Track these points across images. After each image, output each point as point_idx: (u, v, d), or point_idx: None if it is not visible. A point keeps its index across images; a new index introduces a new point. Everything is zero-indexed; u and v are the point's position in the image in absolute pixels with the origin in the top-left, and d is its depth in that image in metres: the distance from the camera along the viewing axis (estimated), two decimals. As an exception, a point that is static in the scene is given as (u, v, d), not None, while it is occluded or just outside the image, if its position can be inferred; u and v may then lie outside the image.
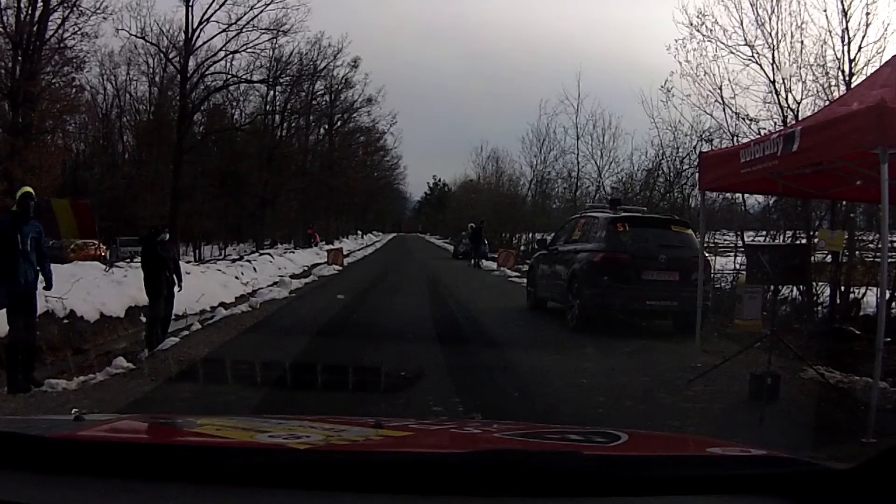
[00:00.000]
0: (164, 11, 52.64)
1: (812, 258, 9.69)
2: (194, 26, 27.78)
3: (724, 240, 16.20)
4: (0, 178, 17.24)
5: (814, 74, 12.10)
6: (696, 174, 9.83)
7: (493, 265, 26.31)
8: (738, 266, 12.70)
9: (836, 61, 11.62)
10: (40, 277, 6.96)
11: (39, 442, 1.32)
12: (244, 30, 28.59)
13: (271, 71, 33.09)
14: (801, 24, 12.23)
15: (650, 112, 20.01)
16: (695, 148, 15.82)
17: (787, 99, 12.46)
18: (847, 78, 11.29)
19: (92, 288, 10.78)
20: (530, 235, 30.06)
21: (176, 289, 8.92)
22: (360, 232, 68.71)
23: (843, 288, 10.61)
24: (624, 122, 38.55)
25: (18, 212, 6.78)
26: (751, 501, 1.20)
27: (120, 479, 1.20)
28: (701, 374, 6.72)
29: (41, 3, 19.60)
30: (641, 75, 73.23)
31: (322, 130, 44.48)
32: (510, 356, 8.12)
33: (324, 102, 41.89)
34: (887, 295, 7.96)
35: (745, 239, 13.71)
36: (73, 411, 1.79)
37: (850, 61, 11.39)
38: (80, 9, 20.57)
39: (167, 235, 9.64)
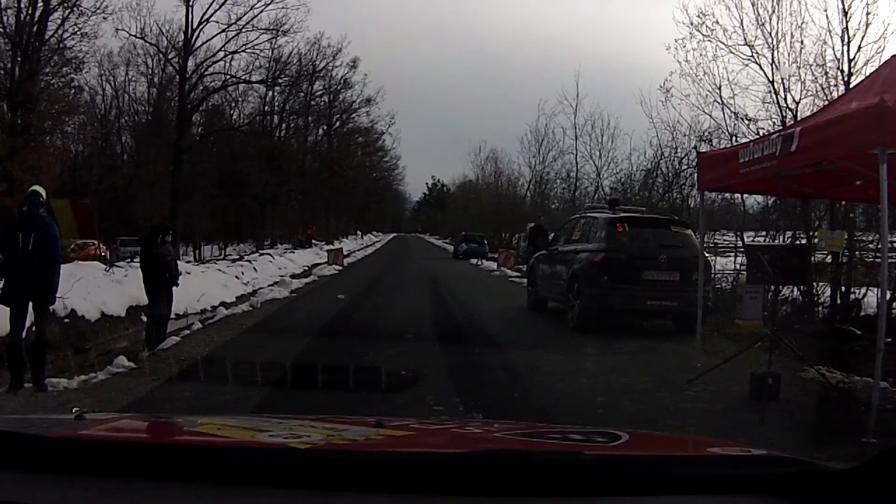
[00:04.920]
0: (164, 11, 52.52)
1: (812, 258, 9.69)
2: (194, 26, 27.88)
3: (724, 240, 16.19)
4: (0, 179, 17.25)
5: (813, 74, 12.11)
6: (695, 174, 9.82)
7: (493, 265, 26.34)
8: (738, 266, 12.69)
9: (836, 61, 11.62)
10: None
11: (40, 441, 1.32)
12: (244, 30, 28.72)
13: (270, 71, 33.21)
14: (801, 23, 12.23)
15: (649, 112, 19.96)
16: (695, 148, 15.82)
17: (786, 99, 12.47)
18: (846, 78, 11.29)
19: (92, 287, 10.78)
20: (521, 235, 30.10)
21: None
22: (359, 232, 68.74)
23: (843, 288, 10.61)
24: (623, 123, 38.64)
25: (24, 212, 6.74)
26: (751, 501, 1.20)
27: (120, 479, 1.20)
28: (701, 374, 6.72)
29: (41, 4, 19.60)
30: (640, 75, 73.20)
31: (321, 131, 44.59)
32: (510, 356, 8.12)
33: (322, 103, 42.00)
34: (888, 295, 7.95)
35: (745, 239, 13.70)
36: (73, 410, 1.79)
37: (850, 61, 11.39)
38: (80, 9, 20.59)
39: (170, 237, 9.64)
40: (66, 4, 20.31)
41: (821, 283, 10.97)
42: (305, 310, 12.58)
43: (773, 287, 7.29)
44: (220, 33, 28.43)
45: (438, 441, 1.79)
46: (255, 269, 19.94)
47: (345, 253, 31.03)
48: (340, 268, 24.56)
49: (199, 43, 28.37)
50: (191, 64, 28.36)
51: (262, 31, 29.20)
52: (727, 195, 13.88)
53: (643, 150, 23.17)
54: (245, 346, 8.73)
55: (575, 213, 15.09)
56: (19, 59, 19.18)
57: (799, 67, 12.31)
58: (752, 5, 12.83)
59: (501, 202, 40.02)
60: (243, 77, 31.23)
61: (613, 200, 13.90)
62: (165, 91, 32.32)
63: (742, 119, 13.39)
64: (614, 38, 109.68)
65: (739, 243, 14.05)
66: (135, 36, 28.51)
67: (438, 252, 44.24)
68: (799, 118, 10.51)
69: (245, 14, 28.24)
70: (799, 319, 10.39)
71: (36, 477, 1.21)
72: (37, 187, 6.99)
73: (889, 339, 5.73)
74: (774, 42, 12.56)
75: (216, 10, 27.74)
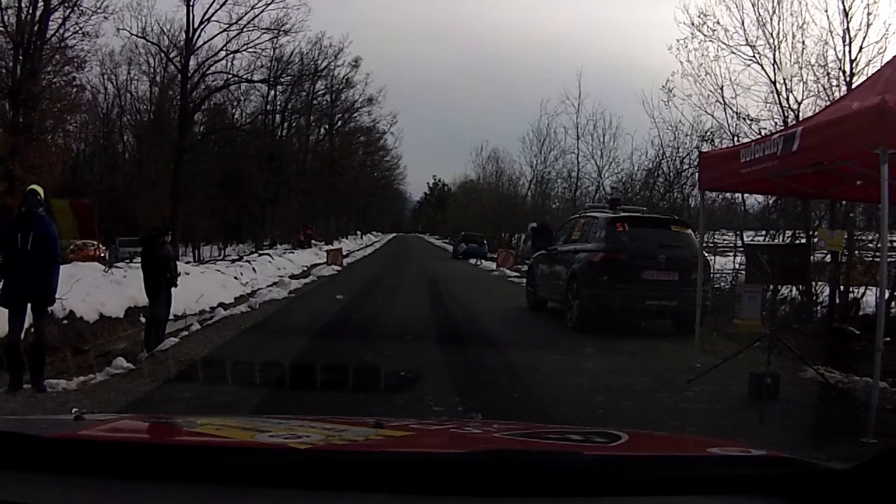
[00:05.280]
0: (165, 11, 52.93)
1: (812, 258, 9.69)
2: (195, 26, 27.86)
3: (724, 240, 16.19)
4: (1, 178, 17.23)
5: (815, 75, 12.12)
6: (696, 174, 9.83)
7: (493, 265, 26.34)
8: (737, 266, 12.69)
9: (838, 61, 11.64)
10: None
11: (39, 442, 1.32)
12: (245, 29, 28.68)
13: (272, 70, 33.20)
14: (803, 24, 12.25)
15: (651, 112, 20.19)
16: (696, 148, 15.83)
17: (787, 99, 12.48)
18: (848, 78, 11.30)
19: (91, 288, 10.77)
20: (522, 237, 30.10)
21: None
22: (359, 232, 68.73)
23: (842, 288, 10.60)
24: (624, 123, 38.71)
25: (23, 212, 6.72)
26: (751, 501, 1.20)
27: (120, 479, 1.20)
28: (701, 374, 6.72)
29: (42, 3, 19.59)
30: (642, 75, 73.27)
31: (322, 130, 44.59)
32: (510, 356, 8.12)
33: (324, 102, 42.01)
34: (887, 294, 7.95)
35: (745, 239, 13.70)
36: (73, 411, 1.79)
37: (852, 61, 11.40)
38: (81, 8, 20.59)
39: (169, 237, 9.64)
40: (66, 4, 20.32)
41: (820, 283, 10.97)
42: (304, 310, 12.57)
43: (772, 287, 7.29)
44: (221, 33, 28.45)
45: (438, 441, 1.79)
46: (254, 269, 19.93)
47: (344, 253, 31.02)
48: (340, 268, 24.56)
49: (200, 42, 28.39)
50: (192, 63, 28.36)
51: (263, 31, 29.21)
52: (727, 195, 13.90)
53: (645, 150, 23.32)
54: (244, 346, 8.72)
55: (576, 212, 15.10)
56: (21, 57, 19.17)
57: (801, 68, 12.34)
58: (753, 6, 12.86)
59: (502, 202, 40.03)
60: (245, 76, 31.25)
61: (614, 200, 13.90)
62: (167, 90, 32.33)
63: (744, 119, 13.42)
64: (615, 38, 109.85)
65: (739, 243, 14.05)
66: (136, 35, 28.56)
67: (438, 252, 44.24)
68: (801, 118, 10.51)
69: (246, 14, 28.24)
70: (798, 319, 10.39)
71: (36, 477, 1.21)
72: (34, 186, 6.96)
73: (888, 339, 5.73)
74: (776, 42, 12.59)
75: (217, 10, 27.76)
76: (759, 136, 9.83)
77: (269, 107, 36.72)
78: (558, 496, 1.18)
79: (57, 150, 21.47)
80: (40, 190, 6.88)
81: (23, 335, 6.64)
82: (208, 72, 29.32)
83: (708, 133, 15.43)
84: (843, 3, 11.37)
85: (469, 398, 5.96)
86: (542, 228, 19.69)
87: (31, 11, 19.48)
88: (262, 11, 28.35)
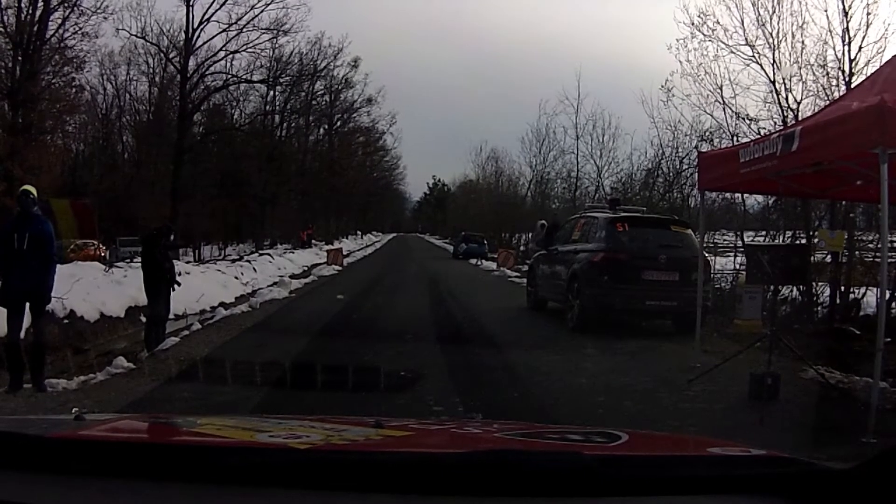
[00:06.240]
0: (165, 11, 52.99)
1: (812, 258, 9.69)
2: (195, 26, 27.96)
3: (724, 240, 16.19)
4: (0, 178, 17.25)
5: (814, 74, 12.12)
6: (696, 174, 9.83)
7: (493, 265, 26.34)
8: (737, 266, 12.70)
9: (837, 61, 11.64)
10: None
11: (39, 441, 1.32)
12: (244, 30, 28.79)
13: (271, 71, 33.26)
14: (802, 23, 12.25)
15: (650, 112, 20.12)
16: (696, 148, 15.83)
17: (787, 99, 12.48)
18: (847, 78, 11.30)
19: (92, 288, 10.79)
20: (530, 235, 30.05)
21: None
22: (359, 232, 68.75)
23: (842, 288, 10.60)
24: (624, 122, 38.72)
25: (20, 211, 6.76)
26: (751, 501, 1.20)
27: (120, 479, 1.20)
28: (701, 374, 6.72)
29: (41, 3, 19.63)
30: (642, 75, 73.36)
31: (322, 130, 44.64)
32: (510, 356, 8.12)
33: (324, 102, 42.04)
34: (887, 295, 7.95)
35: (745, 239, 13.70)
36: (73, 411, 1.80)
37: (851, 61, 11.40)
38: (81, 9, 20.65)
39: (172, 238, 9.67)
40: (66, 4, 20.37)
41: (820, 283, 10.97)
42: (305, 310, 12.57)
43: (772, 287, 7.29)
44: (220, 33, 28.55)
45: (438, 441, 1.79)
46: (254, 269, 19.95)
47: (344, 253, 31.02)
48: (340, 268, 24.56)
49: (199, 42, 28.50)
50: (192, 63, 28.46)
51: (262, 31, 29.30)
52: (727, 195, 13.90)
53: (644, 150, 23.27)
54: (244, 346, 8.72)
55: (575, 212, 15.09)
56: (20, 58, 19.20)
57: (800, 67, 12.34)
58: (753, 5, 12.86)
59: (502, 202, 40.02)
60: (244, 76, 31.32)
61: (614, 200, 13.90)
62: (167, 90, 32.35)
63: (743, 119, 13.43)
64: (614, 38, 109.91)
65: (739, 243, 14.05)
66: (135, 35, 28.66)
67: (438, 252, 44.24)
68: (800, 118, 10.51)
69: (246, 14, 28.36)
70: (798, 319, 10.39)
71: (36, 477, 1.21)
72: (27, 186, 7.04)
73: (888, 339, 5.72)
74: (775, 42, 12.59)
75: (217, 10, 27.83)
76: (759, 136, 9.83)
77: (268, 107, 36.79)
78: (558, 496, 1.18)
79: (56, 150, 21.49)
80: (33, 190, 6.95)
81: (22, 335, 6.65)
82: (207, 72, 29.42)
83: (707, 133, 15.45)
84: (842, 2, 11.38)
85: (469, 398, 5.96)
86: (555, 227, 19.84)
87: (30, 12, 19.53)
88: (262, 12, 28.50)
